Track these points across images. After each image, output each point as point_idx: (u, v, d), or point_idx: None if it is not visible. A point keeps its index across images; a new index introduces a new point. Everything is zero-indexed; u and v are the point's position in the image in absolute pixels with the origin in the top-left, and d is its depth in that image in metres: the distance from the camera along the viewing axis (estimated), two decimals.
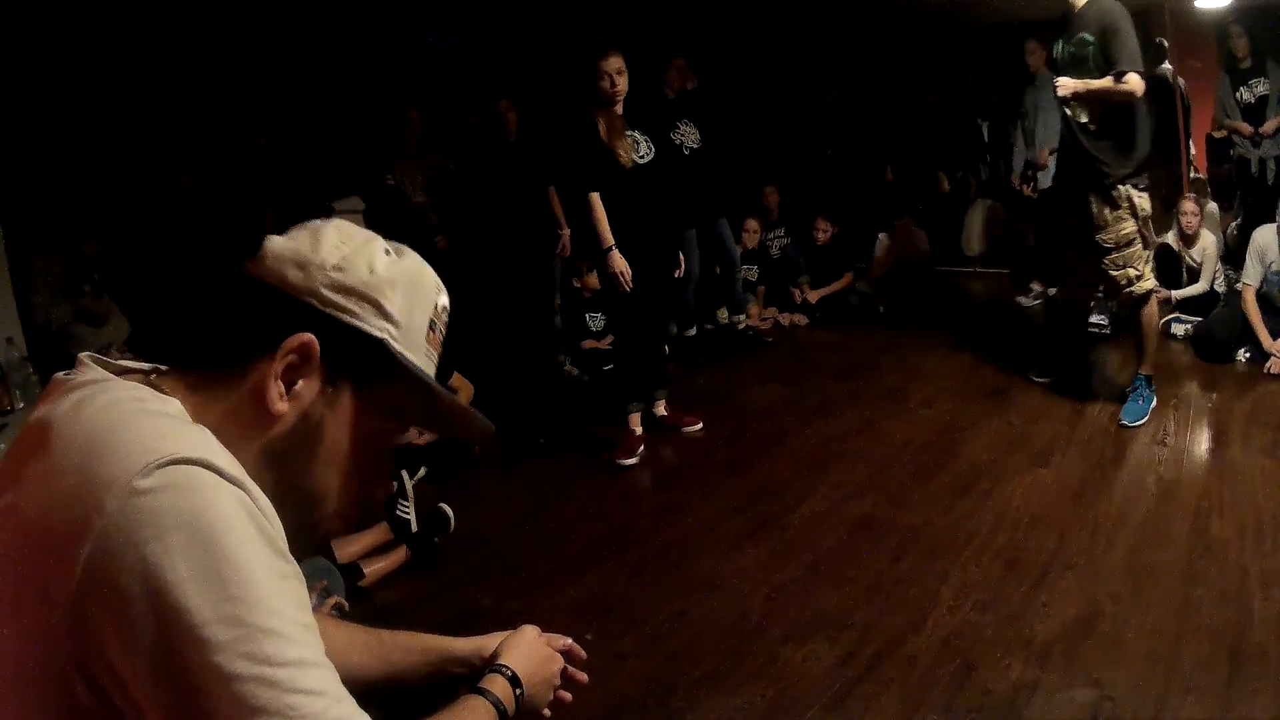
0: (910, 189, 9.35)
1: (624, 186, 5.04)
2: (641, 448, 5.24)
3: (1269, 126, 7.61)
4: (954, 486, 4.50)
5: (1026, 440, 5.07)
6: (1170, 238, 7.25)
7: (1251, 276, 6.13)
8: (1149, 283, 5.18)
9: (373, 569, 3.97)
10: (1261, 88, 7.71)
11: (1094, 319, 6.84)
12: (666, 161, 5.37)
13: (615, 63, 4.95)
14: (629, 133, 5.10)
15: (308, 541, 1.24)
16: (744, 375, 6.85)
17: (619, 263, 4.98)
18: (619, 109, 5.06)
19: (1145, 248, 5.14)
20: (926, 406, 5.73)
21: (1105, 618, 3.26)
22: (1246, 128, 7.74)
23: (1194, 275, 7.10)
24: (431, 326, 1.30)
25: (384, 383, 1.24)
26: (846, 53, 10.02)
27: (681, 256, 5.61)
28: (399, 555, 4.11)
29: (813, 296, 8.25)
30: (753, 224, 8.42)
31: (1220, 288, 6.90)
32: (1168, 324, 6.84)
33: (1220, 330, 6.23)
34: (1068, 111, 5.02)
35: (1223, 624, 3.13)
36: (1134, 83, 4.69)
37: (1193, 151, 9.80)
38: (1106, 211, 5.02)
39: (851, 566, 3.78)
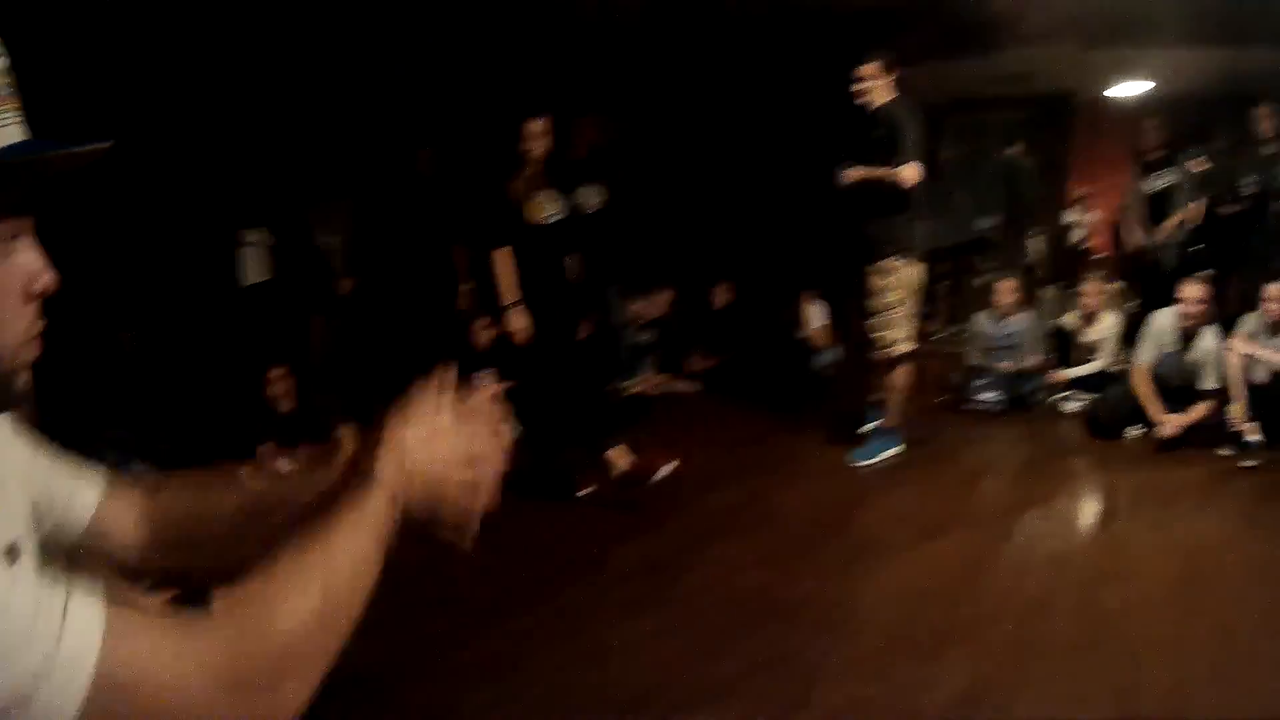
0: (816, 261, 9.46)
1: (534, 244, 5.14)
2: (649, 466, 5.31)
3: (1167, 225, 7.93)
4: (841, 559, 4.53)
5: (915, 514, 5.15)
6: (1069, 317, 7.51)
7: (1143, 356, 6.46)
8: (906, 346, 5.85)
9: None
10: (1169, 179, 8.08)
11: (985, 396, 7.02)
12: (575, 221, 5.42)
13: (539, 126, 5.11)
14: (542, 191, 5.21)
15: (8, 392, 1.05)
16: (634, 442, 6.79)
17: (517, 320, 5.07)
18: (535, 168, 5.18)
19: (908, 315, 5.83)
20: (818, 478, 5.76)
21: (995, 690, 3.29)
22: (1139, 237, 8.21)
23: (1089, 353, 7.33)
24: None
25: None
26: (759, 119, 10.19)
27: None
28: None
29: (706, 364, 8.26)
30: (658, 291, 8.44)
31: (1115, 367, 7.13)
32: (1061, 401, 7.14)
33: (1111, 408, 6.52)
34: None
35: (1113, 693, 3.19)
36: (910, 172, 5.42)
37: (1092, 230, 10.21)
38: (875, 280, 5.73)
39: (739, 638, 3.74)
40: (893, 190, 5.56)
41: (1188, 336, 6.35)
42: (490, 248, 5.13)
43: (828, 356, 8.41)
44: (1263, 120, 7.41)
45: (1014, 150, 10.00)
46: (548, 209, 5.25)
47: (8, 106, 1.02)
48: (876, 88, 5.65)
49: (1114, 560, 4.41)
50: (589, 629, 3.88)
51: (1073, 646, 3.56)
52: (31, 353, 1.06)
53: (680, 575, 4.38)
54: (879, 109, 5.65)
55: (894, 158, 5.50)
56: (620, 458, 5.30)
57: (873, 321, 5.83)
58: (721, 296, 8.58)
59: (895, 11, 8.39)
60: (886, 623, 3.85)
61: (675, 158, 9.63)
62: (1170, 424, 6.12)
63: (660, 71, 9.33)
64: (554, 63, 8.04)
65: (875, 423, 6.05)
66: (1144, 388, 6.33)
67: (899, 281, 5.74)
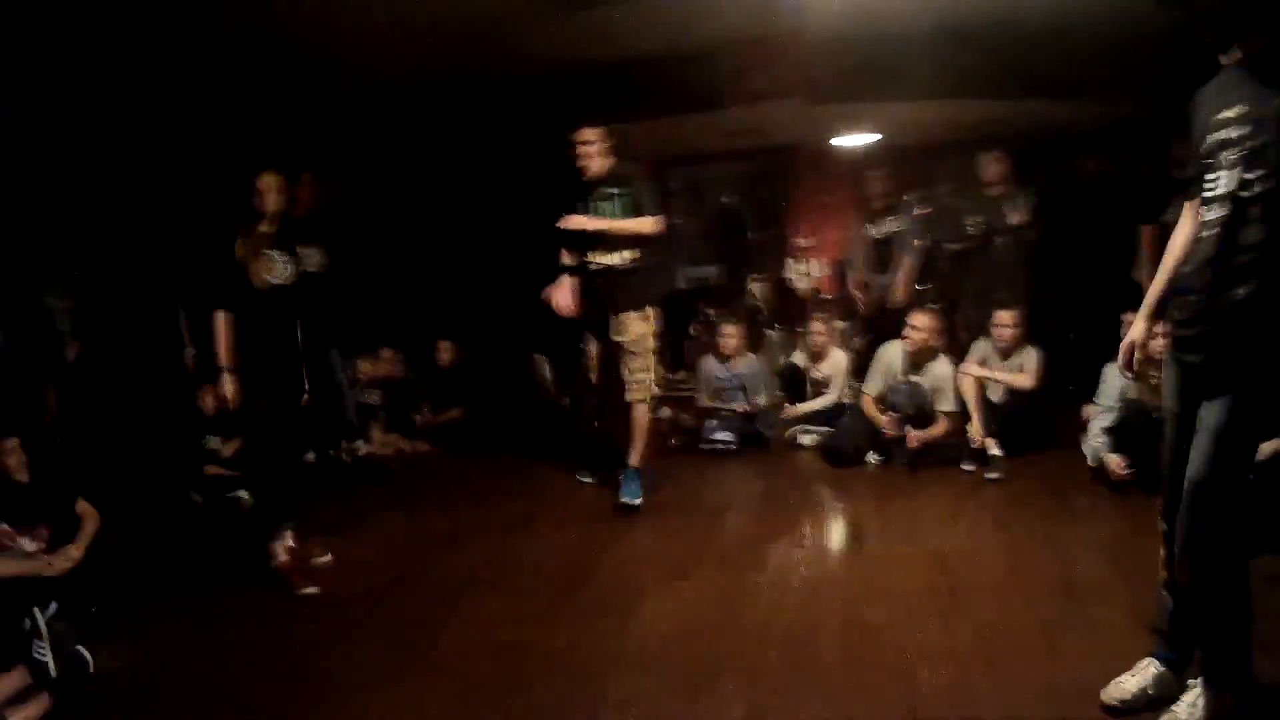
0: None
1: (257, 308, 4.93)
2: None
3: (901, 278, 8.41)
4: (596, 606, 4.38)
5: (663, 555, 5.07)
6: (797, 356, 7.77)
7: (872, 387, 6.81)
8: (654, 389, 6.05)
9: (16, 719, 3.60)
10: (891, 225, 8.64)
11: (719, 436, 7.11)
12: (302, 283, 5.18)
13: (272, 180, 4.95)
14: (269, 252, 4.99)
15: None
16: (368, 505, 6.50)
17: (228, 386, 4.85)
18: (266, 227, 4.99)
19: (654, 362, 6.02)
20: (558, 530, 5.61)
21: (773, 715, 3.22)
22: (866, 278, 8.74)
23: (820, 389, 7.59)
24: None
25: None
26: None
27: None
28: (43, 702, 3.71)
29: (436, 422, 8.02)
30: (386, 352, 8.19)
31: (847, 399, 7.41)
32: (795, 435, 7.35)
33: (848, 438, 6.76)
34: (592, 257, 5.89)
35: (891, 701, 3.20)
36: (652, 224, 5.75)
37: (817, 273, 10.64)
38: (637, 325, 5.89)
39: (505, 696, 3.54)
40: (638, 242, 5.75)
41: (918, 365, 6.66)
42: (210, 309, 4.90)
43: (560, 408, 8.34)
44: (989, 165, 7.98)
45: (732, 199, 10.28)
46: (276, 270, 5.01)
47: None
48: (599, 151, 5.76)
49: (872, 578, 4.46)
50: (347, 703, 3.58)
51: (844, 664, 3.55)
52: None
53: (436, 637, 4.12)
54: (607, 173, 5.78)
55: (632, 214, 5.70)
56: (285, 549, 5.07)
57: (625, 368, 5.91)
58: (446, 355, 8.36)
59: (619, 72, 8.56)
60: (652, 664, 3.71)
61: (396, 217, 9.44)
62: (911, 436, 6.44)
63: (381, 132, 9.19)
64: (272, 120, 7.78)
65: (630, 465, 6.03)
66: (872, 410, 6.68)
67: (647, 329, 5.89)
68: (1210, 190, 2.77)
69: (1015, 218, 7.84)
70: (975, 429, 6.30)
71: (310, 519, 5.33)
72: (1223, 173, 2.72)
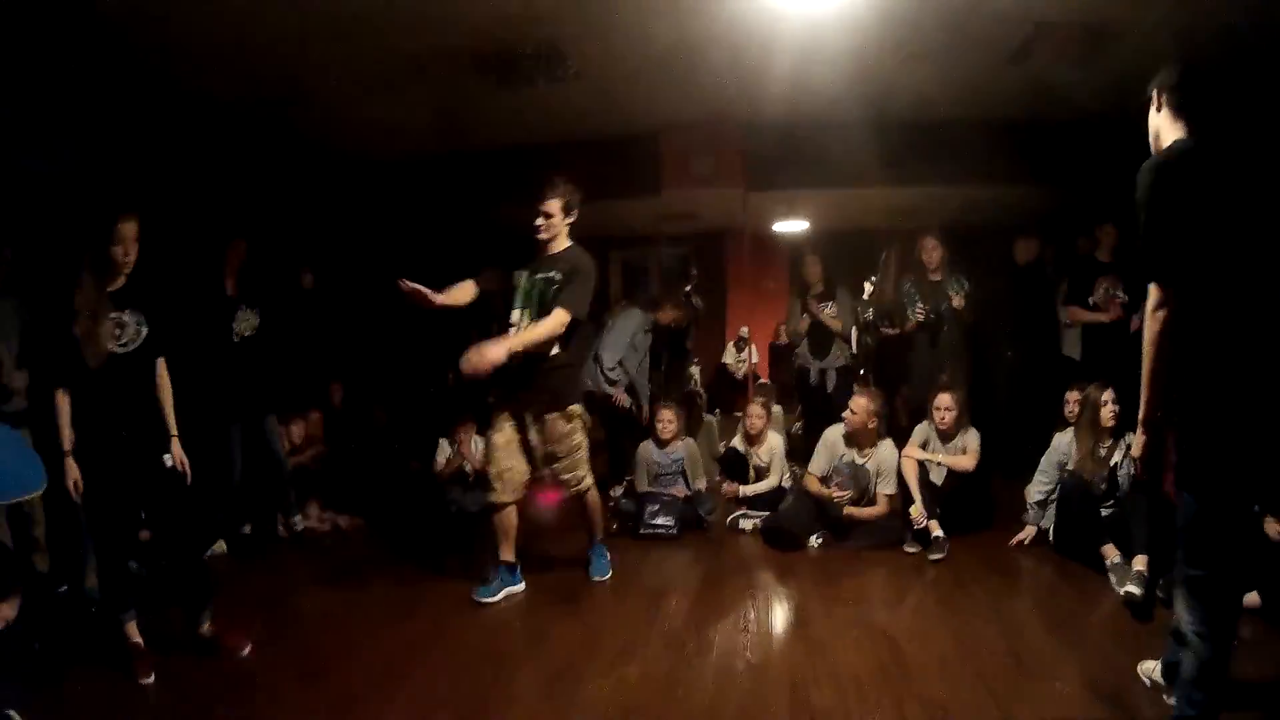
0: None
1: (94, 382, 4.55)
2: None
3: (838, 354, 8.79)
4: (538, 690, 4.33)
5: (604, 640, 5.00)
6: (737, 440, 7.84)
7: (816, 465, 6.96)
8: (590, 479, 5.95)
9: None
10: (829, 311, 8.87)
11: (659, 520, 7.11)
12: (156, 343, 4.77)
13: (131, 228, 4.55)
14: (115, 315, 4.62)
15: None
16: (304, 579, 6.41)
17: (72, 471, 4.49)
18: (119, 283, 4.63)
19: (586, 454, 5.93)
20: (497, 610, 5.54)
21: None
22: (803, 362, 8.99)
23: (760, 473, 7.69)
24: None
25: None
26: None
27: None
28: None
29: (368, 496, 7.95)
30: (315, 416, 8.12)
31: (787, 483, 7.59)
32: (736, 520, 7.38)
33: (790, 521, 6.80)
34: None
35: None
36: (557, 321, 5.40)
37: (754, 358, 10.76)
38: (558, 424, 5.68)
39: None
40: (568, 344, 5.60)
41: (860, 447, 6.81)
42: (46, 387, 4.56)
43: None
44: (928, 250, 8.22)
45: (693, 291, 10.35)
46: (123, 335, 4.64)
47: None
48: (558, 225, 5.59)
49: (818, 660, 4.47)
50: None
51: None
52: None
53: (373, 717, 4.03)
54: (560, 252, 5.61)
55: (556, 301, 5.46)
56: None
57: (560, 465, 5.78)
58: (381, 417, 8.31)
59: (558, 150, 8.69)
60: None
61: (322, 283, 9.44)
62: (855, 511, 6.65)
63: (324, 198, 9.25)
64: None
65: (596, 543, 6.19)
66: (819, 488, 6.81)
67: (570, 427, 5.70)
68: None
69: (956, 301, 8.02)
70: (917, 511, 6.41)
71: (245, 594, 5.24)
72: None
